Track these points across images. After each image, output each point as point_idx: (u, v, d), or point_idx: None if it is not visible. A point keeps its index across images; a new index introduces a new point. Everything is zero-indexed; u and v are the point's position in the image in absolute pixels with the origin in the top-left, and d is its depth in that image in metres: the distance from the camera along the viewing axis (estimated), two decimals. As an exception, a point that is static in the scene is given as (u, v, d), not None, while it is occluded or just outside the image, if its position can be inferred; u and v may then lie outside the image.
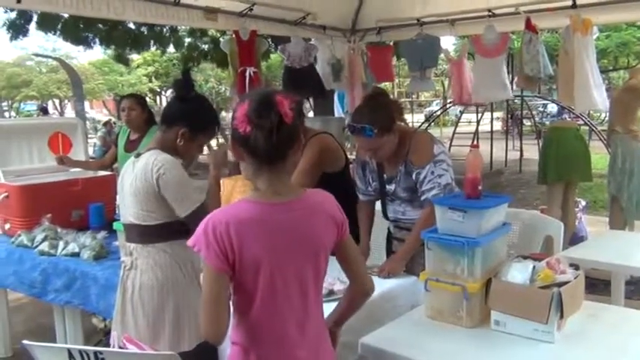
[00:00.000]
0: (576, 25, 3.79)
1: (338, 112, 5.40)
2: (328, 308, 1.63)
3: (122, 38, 9.95)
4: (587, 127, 9.59)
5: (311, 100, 8.78)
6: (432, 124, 14.01)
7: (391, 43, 5.31)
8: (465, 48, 5.06)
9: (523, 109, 12.83)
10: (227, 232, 1.35)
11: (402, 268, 2.44)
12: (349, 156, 3.34)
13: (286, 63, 4.65)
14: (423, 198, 2.42)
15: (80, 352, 1.49)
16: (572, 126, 5.61)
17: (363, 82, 4.91)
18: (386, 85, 6.22)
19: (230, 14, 4.15)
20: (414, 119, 16.50)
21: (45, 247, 2.94)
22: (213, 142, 2.32)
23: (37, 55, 24.49)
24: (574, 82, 3.79)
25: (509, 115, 15.25)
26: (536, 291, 1.78)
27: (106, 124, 13.19)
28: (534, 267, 1.86)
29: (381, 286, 2.28)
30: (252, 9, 4.12)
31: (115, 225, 2.63)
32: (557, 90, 4.56)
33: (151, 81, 25.54)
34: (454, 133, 11.58)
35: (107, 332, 3.03)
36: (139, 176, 1.96)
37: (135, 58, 20.85)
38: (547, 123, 14.82)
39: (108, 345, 2.23)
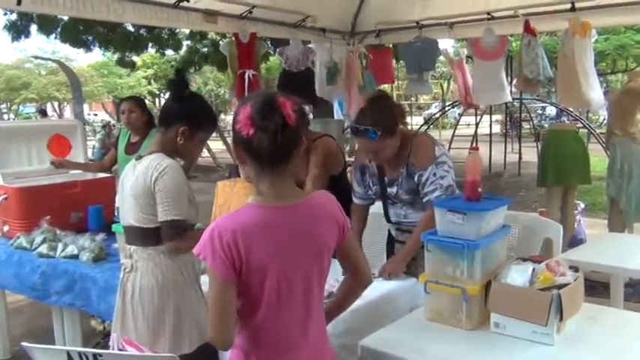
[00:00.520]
0: (575, 28, 3.80)
1: (337, 114, 5.40)
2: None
3: (121, 41, 9.97)
4: (586, 130, 9.60)
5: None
6: (431, 126, 14.02)
7: (390, 46, 5.31)
8: (463, 52, 5.08)
9: (522, 111, 12.85)
10: (234, 240, 1.33)
11: (402, 270, 2.44)
12: (347, 159, 3.35)
13: (284, 66, 4.65)
14: (425, 200, 2.43)
15: (79, 354, 1.49)
16: (571, 129, 5.62)
17: (360, 85, 4.90)
18: (384, 87, 6.22)
19: (230, 17, 4.15)
20: (413, 122, 16.51)
21: (44, 249, 2.94)
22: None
23: (36, 57, 24.49)
24: (573, 85, 3.80)
25: (508, 118, 15.28)
26: (536, 293, 1.78)
27: (105, 126, 13.20)
28: (534, 269, 1.86)
29: (381, 288, 2.28)
30: (251, 11, 4.12)
31: (114, 227, 2.63)
32: (555, 93, 4.57)
33: (150, 83, 25.53)
34: (453, 135, 11.59)
35: (106, 334, 3.03)
36: (140, 179, 1.96)
37: (134, 60, 20.85)
38: (546, 126, 14.86)
39: (107, 347, 2.23)
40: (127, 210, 2.02)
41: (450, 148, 10.06)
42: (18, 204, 3.25)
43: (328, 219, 1.48)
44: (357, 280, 1.61)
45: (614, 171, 4.85)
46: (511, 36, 4.62)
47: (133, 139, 3.84)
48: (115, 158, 3.98)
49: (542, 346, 1.73)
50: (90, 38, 9.91)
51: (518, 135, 13.08)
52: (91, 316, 3.37)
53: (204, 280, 1.78)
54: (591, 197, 7.70)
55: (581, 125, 9.27)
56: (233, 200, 3.36)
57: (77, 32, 9.52)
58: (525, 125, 15.06)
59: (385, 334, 1.87)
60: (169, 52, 13.41)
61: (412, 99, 20.61)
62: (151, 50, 11.81)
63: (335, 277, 1.97)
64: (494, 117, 14.14)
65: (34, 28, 9.41)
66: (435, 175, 2.41)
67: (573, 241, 4.79)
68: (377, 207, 2.77)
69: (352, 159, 3.54)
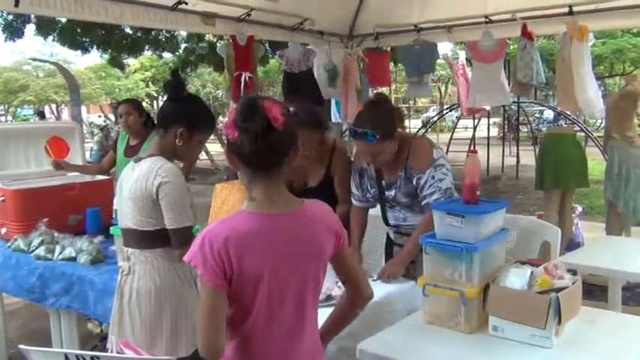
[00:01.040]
0: (573, 32, 3.80)
1: (335, 117, 5.41)
2: (325, 313, 1.62)
3: (119, 43, 9.97)
4: (584, 133, 9.62)
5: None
6: (429, 129, 14.04)
7: (388, 49, 5.31)
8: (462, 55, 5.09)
9: (520, 115, 12.88)
10: (225, 247, 1.32)
11: (401, 272, 2.44)
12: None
13: (285, 68, 4.65)
14: (424, 203, 2.43)
15: (77, 356, 1.48)
16: (568, 132, 5.63)
17: (357, 89, 4.91)
18: (383, 90, 6.22)
19: (228, 19, 4.15)
20: (411, 125, 16.53)
21: (41, 251, 2.93)
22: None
23: (34, 59, 24.48)
24: (573, 89, 3.80)
25: (506, 121, 15.30)
26: (534, 296, 1.78)
27: (102, 128, 13.19)
28: (532, 272, 1.86)
29: (379, 291, 2.28)
30: (249, 14, 4.12)
31: (112, 229, 2.62)
32: (553, 96, 4.58)
33: (147, 86, 25.52)
34: (451, 138, 11.62)
35: (103, 337, 3.03)
36: (139, 182, 1.95)
37: (132, 63, 20.86)
38: (544, 129, 14.89)
39: (104, 350, 2.22)
40: (125, 213, 2.02)
41: (447, 152, 10.07)
42: (15, 206, 3.24)
43: (324, 230, 1.45)
44: (355, 295, 1.57)
45: (612, 174, 4.86)
46: (509, 39, 4.62)
47: (132, 142, 3.83)
48: (114, 160, 3.97)
49: (540, 349, 1.73)
50: (88, 40, 9.90)
51: (516, 138, 13.11)
52: (88, 319, 3.36)
53: (202, 282, 1.77)
54: (589, 200, 7.72)
55: (579, 129, 9.29)
56: (230, 202, 3.36)
57: (75, 34, 9.52)
58: (523, 129, 15.08)
59: (383, 337, 1.86)
60: (167, 55, 13.41)
61: (410, 102, 20.64)
62: (148, 52, 11.81)
63: (331, 279, 1.97)
64: (492, 120, 14.17)
65: (29, 28, 9.41)
66: (433, 178, 2.41)
67: (571, 244, 4.80)
68: (375, 210, 2.76)
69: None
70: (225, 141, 1.42)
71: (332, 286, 2.09)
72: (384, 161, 2.45)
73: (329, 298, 2.05)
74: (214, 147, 13.95)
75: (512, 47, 7.54)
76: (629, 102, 4.83)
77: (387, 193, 2.57)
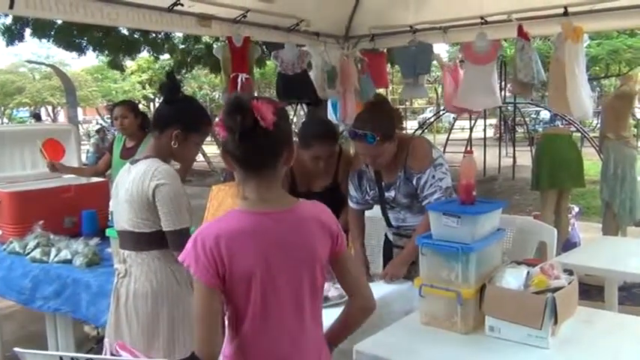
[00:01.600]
0: (568, 33, 3.81)
1: (331, 118, 5.40)
2: (325, 314, 1.61)
3: (115, 44, 9.95)
4: (580, 134, 9.65)
5: (304, 107, 8.79)
6: (426, 130, 14.06)
7: (384, 50, 5.31)
8: (458, 56, 5.09)
9: (516, 115, 12.90)
10: (217, 245, 1.32)
11: (403, 273, 2.44)
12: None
13: (279, 69, 4.65)
14: (425, 203, 2.42)
15: (72, 359, 1.48)
16: (564, 133, 5.64)
17: (356, 90, 4.90)
18: (381, 91, 6.22)
19: (224, 21, 4.15)
20: (407, 126, 16.56)
21: (37, 254, 2.92)
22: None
23: (30, 61, 24.44)
24: (566, 90, 3.81)
25: (503, 122, 15.33)
26: (531, 296, 1.78)
27: (98, 131, 13.18)
28: (528, 272, 1.86)
29: (376, 292, 2.27)
30: (245, 15, 4.13)
31: (108, 232, 2.62)
32: (547, 97, 4.59)
33: (144, 88, 25.50)
34: (447, 139, 11.63)
35: (99, 340, 3.01)
36: (136, 183, 1.95)
37: (129, 64, 20.82)
38: (540, 130, 14.93)
39: (100, 353, 2.22)
40: (121, 215, 2.01)
41: (444, 153, 10.07)
42: (11, 208, 3.23)
43: (319, 230, 1.44)
44: (357, 303, 1.54)
45: (608, 175, 4.87)
46: (505, 40, 4.63)
47: (129, 144, 3.82)
48: (110, 162, 3.96)
49: (536, 349, 1.73)
50: (84, 42, 9.88)
51: (512, 139, 13.14)
52: (84, 322, 3.34)
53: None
54: (585, 201, 7.73)
55: (575, 129, 9.32)
56: (227, 204, 3.36)
57: (71, 36, 9.49)
58: (519, 129, 15.12)
59: (380, 338, 1.86)
60: (163, 57, 13.40)
61: (407, 103, 20.67)
62: (145, 54, 11.79)
63: (330, 281, 1.96)
64: (489, 121, 14.20)
65: (28, 32, 9.38)
66: (433, 177, 2.41)
67: (567, 244, 4.81)
68: (372, 211, 2.76)
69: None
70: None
71: (328, 287, 2.09)
72: (383, 163, 2.45)
73: (325, 299, 2.05)
74: (211, 149, 13.95)
75: (508, 51, 7.56)
76: (624, 102, 4.84)
77: (386, 194, 2.56)
